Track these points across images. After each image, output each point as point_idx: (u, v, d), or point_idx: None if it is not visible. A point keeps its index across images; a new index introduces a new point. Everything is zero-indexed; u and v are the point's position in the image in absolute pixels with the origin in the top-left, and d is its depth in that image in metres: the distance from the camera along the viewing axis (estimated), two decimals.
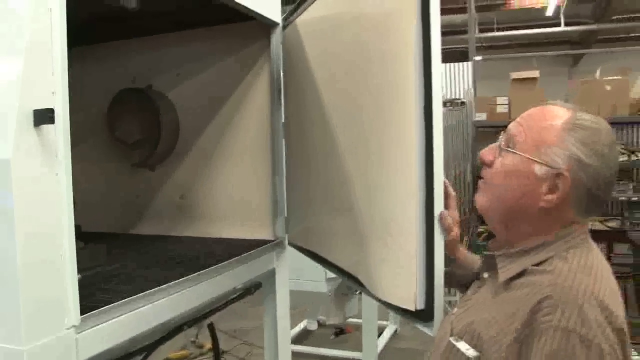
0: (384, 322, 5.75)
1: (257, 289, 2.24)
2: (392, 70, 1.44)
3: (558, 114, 1.16)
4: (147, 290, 1.60)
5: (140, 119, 2.47)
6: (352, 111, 1.74)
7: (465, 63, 9.56)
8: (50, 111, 1.31)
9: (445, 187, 1.37)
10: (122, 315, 1.50)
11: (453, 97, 8.18)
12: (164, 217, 2.67)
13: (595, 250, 1.18)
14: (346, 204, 1.79)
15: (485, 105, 6.47)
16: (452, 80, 9.07)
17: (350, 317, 4.98)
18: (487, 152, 1.26)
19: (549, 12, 11.33)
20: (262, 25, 2.28)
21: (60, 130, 1.35)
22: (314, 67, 2.04)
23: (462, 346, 1.16)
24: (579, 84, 6.15)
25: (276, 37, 2.30)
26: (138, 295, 1.54)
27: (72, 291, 1.36)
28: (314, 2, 2.01)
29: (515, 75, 6.36)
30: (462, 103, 6.91)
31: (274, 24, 2.29)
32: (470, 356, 1.14)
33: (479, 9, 10.99)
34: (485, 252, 1.30)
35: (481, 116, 6.39)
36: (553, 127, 1.14)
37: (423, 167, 1.33)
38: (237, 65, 2.41)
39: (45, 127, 1.33)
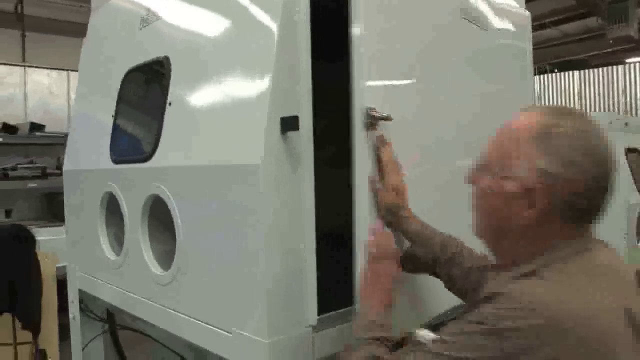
0: None
1: None
2: None
3: (526, 123, 1.08)
4: None
5: None
6: None
7: None
8: (296, 118, 1.38)
9: (379, 155, 1.38)
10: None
11: None
12: None
13: (594, 260, 1.04)
14: None
15: None
16: None
17: None
18: (469, 175, 1.18)
19: None
20: None
21: (305, 136, 1.41)
22: None
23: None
24: None
25: None
26: None
27: (311, 292, 1.41)
28: None
29: None
30: None
31: None
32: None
33: None
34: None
35: None
36: (519, 139, 1.07)
37: None
38: None
39: (291, 134, 1.41)
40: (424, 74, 1.66)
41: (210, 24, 1.71)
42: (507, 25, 2.17)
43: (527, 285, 0.96)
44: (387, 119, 1.39)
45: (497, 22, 2.05)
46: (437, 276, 1.48)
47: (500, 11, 2.11)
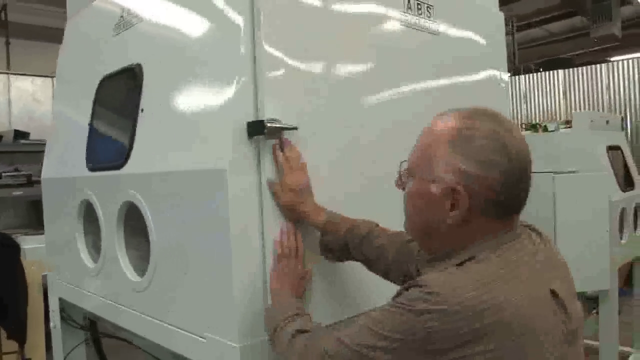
0: (627, 349, 5.02)
1: None
2: None
3: (443, 125, 1.13)
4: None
5: None
6: None
7: None
8: (262, 123, 1.39)
9: (274, 153, 1.43)
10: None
11: None
12: None
13: (519, 249, 1.09)
14: None
15: None
16: None
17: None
18: (397, 179, 1.25)
19: None
20: None
21: (272, 140, 1.43)
22: None
23: None
24: None
25: None
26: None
27: None
28: None
29: None
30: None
31: None
32: None
33: None
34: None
35: None
36: (437, 141, 1.12)
37: None
38: None
39: (259, 139, 1.42)
40: (352, 82, 1.68)
41: (181, 31, 1.71)
42: (471, 28, 2.19)
43: (445, 275, 1.03)
44: (290, 129, 1.44)
45: (455, 27, 2.06)
46: (356, 260, 1.53)
47: (461, 16, 2.13)
